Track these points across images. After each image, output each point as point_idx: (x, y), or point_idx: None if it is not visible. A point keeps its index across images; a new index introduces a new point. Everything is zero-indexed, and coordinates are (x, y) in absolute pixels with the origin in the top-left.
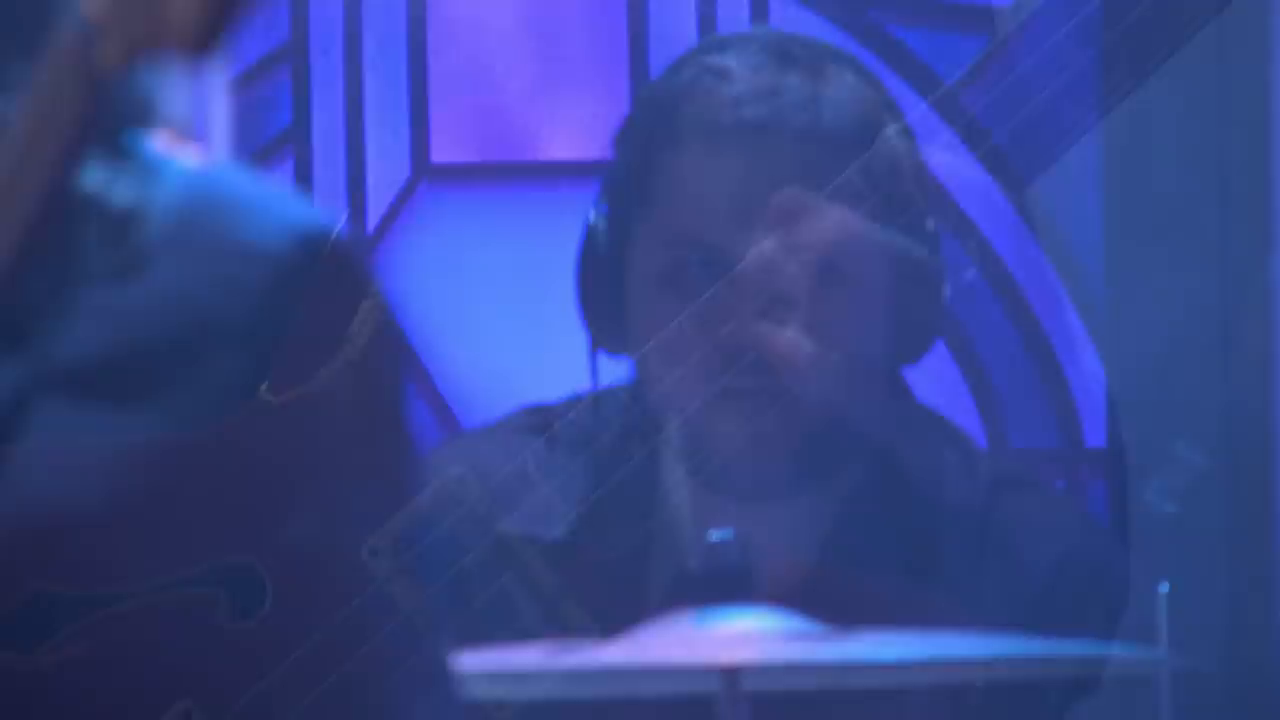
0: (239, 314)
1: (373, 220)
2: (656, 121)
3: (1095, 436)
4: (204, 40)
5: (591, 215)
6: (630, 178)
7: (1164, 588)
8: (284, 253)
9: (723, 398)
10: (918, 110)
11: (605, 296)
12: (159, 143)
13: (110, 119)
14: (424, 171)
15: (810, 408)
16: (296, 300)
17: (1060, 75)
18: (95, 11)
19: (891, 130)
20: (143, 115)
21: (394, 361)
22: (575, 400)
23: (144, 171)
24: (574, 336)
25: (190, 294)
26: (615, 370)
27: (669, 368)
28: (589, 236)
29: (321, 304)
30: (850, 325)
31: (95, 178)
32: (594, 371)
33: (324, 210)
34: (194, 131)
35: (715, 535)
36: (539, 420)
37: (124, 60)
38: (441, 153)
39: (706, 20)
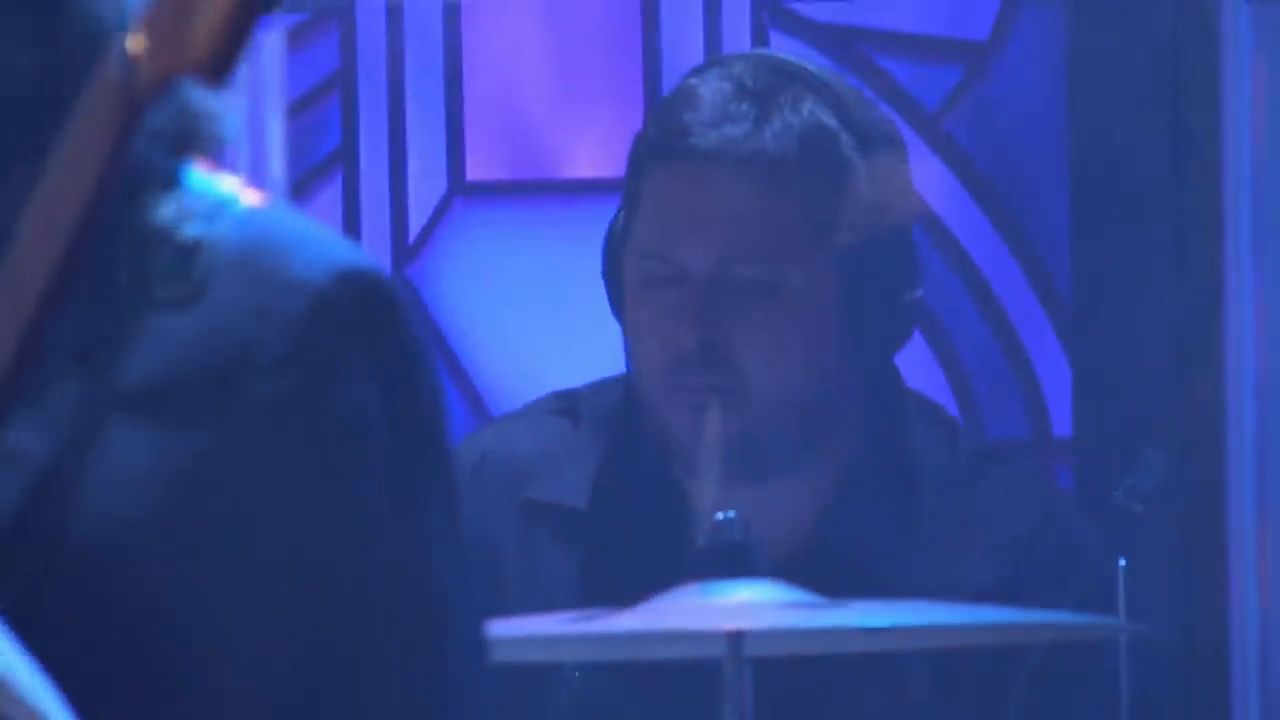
0: (281, 343)
1: (413, 232)
2: (640, 142)
3: (1062, 427)
4: (219, 68)
5: (613, 219)
6: (628, 192)
7: (1122, 562)
8: (324, 287)
9: (676, 392)
10: (900, 132)
11: (618, 292)
12: (218, 181)
13: (171, 157)
14: (459, 188)
15: (762, 403)
16: (336, 331)
17: (1029, 101)
18: (134, 44)
19: (849, 144)
20: (200, 145)
21: (431, 388)
22: (596, 386)
23: (204, 210)
24: (593, 332)
25: (235, 325)
26: None
27: (643, 365)
28: (609, 237)
29: (360, 335)
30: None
31: (162, 215)
32: (628, 355)
33: (363, 250)
34: (248, 161)
35: (720, 515)
36: (565, 404)
37: (157, 85)
38: (475, 170)
39: (713, 49)
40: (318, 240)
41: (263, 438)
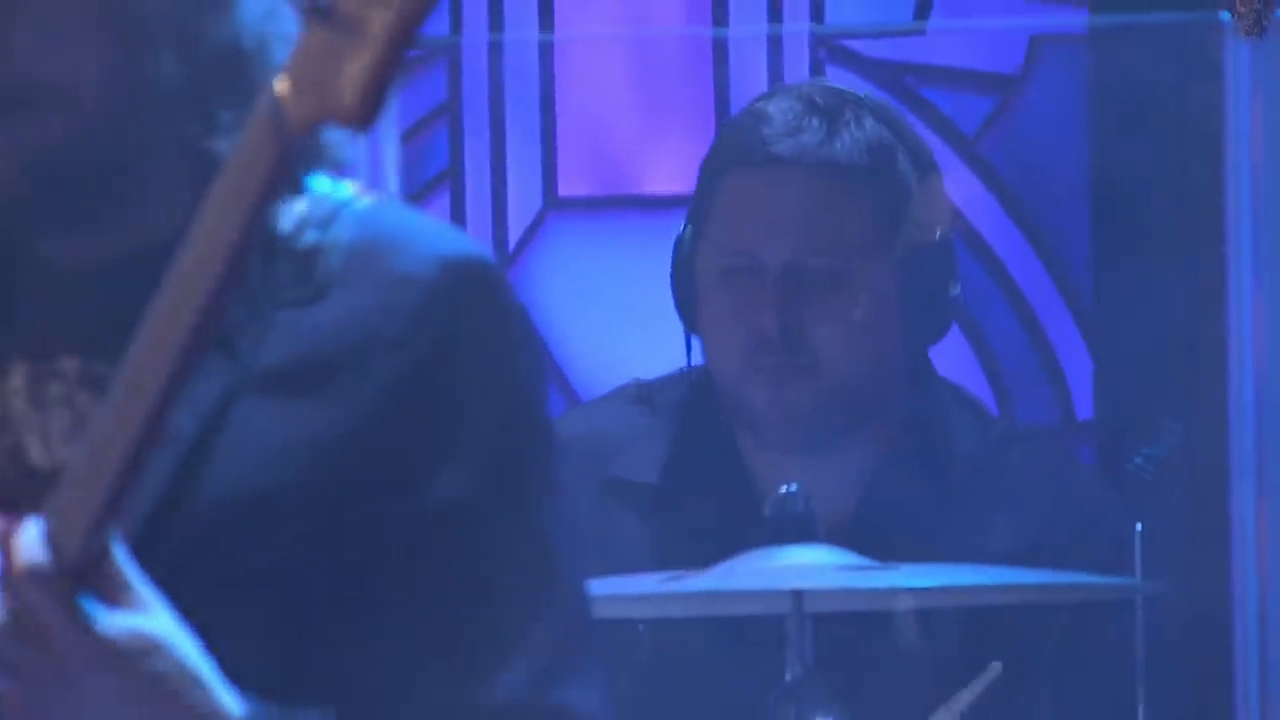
0: (399, 331)
1: (512, 242)
2: (713, 156)
3: (1084, 410)
4: (366, 117)
5: (680, 232)
6: (699, 200)
7: (1138, 527)
8: (436, 278)
9: (757, 372)
10: (942, 153)
11: (686, 294)
12: (337, 186)
13: (298, 169)
14: (552, 203)
15: (832, 380)
16: (447, 317)
17: (1053, 127)
18: (283, 88)
19: (905, 160)
20: (324, 164)
21: (535, 367)
22: (669, 377)
23: (324, 212)
24: (669, 330)
25: (357, 315)
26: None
27: (721, 350)
28: (677, 245)
29: (469, 317)
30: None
31: (287, 220)
32: (689, 351)
33: (472, 240)
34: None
35: (783, 488)
36: (642, 392)
37: (306, 128)
38: (566, 188)
39: (775, 80)
40: (426, 234)
41: (384, 414)
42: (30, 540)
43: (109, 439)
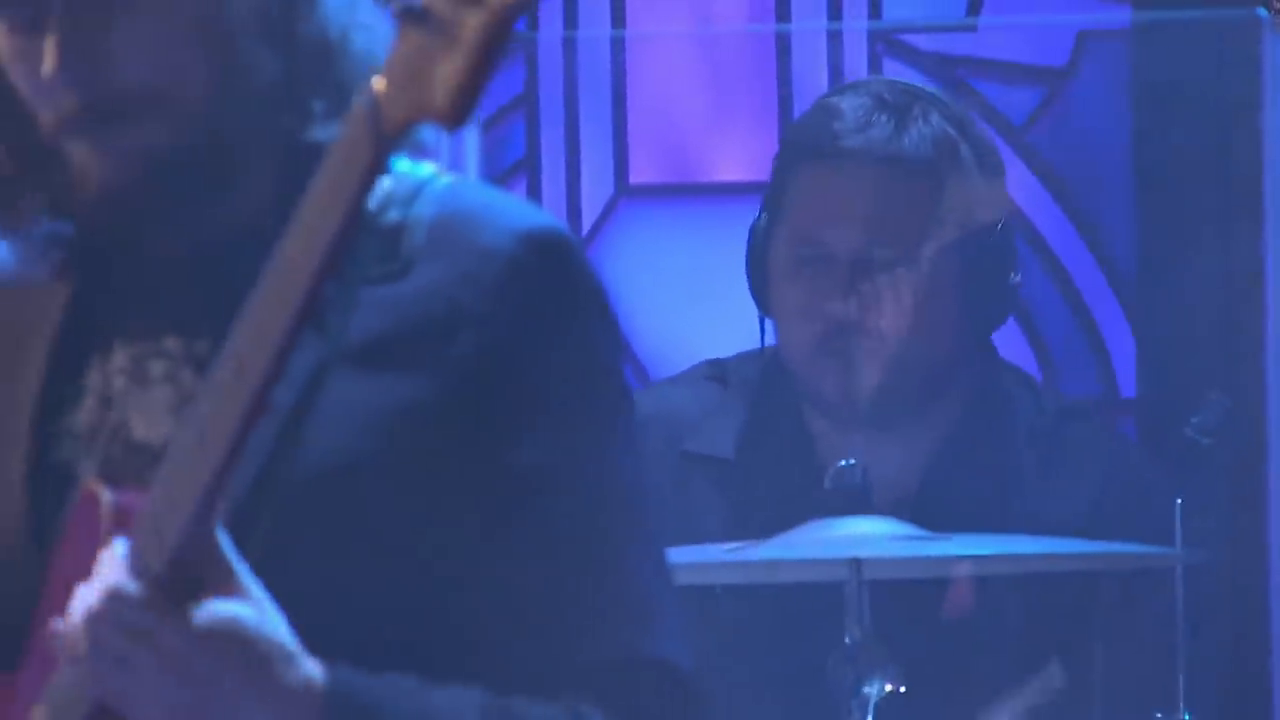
0: (482, 304)
1: (585, 227)
2: (787, 149)
3: (1127, 388)
4: (459, 117)
5: (755, 220)
6: (773, 190)
7: (1179, 500)
8: (516, 251)
9: (827, 356)
10: (996, 145)
11: (760, 280)
12: (417, 166)
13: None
14: (624, 190)
15: (897, 363)
16: (527, 289)
17: (1098, 117)
18: (379, 87)
19: (968, 153)
20: (406, 148)
21: (612, 334)
22: (741, 356)
23: (407, 191)
24: (740, 311)
25: (441, 289)
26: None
27: (793, 332)
28: (752, 233)
29: (547, 288)
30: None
31: (371, 199)
32: (763, 332)
33: (548, 214)
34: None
35: (843, 462)
36: (715, 371)
37: (401, 127)
38: (637, 175)
39: (835, 76)
40: (504, 209)
41: (470, 383)
42: (117, 568)
43: (216, 418)
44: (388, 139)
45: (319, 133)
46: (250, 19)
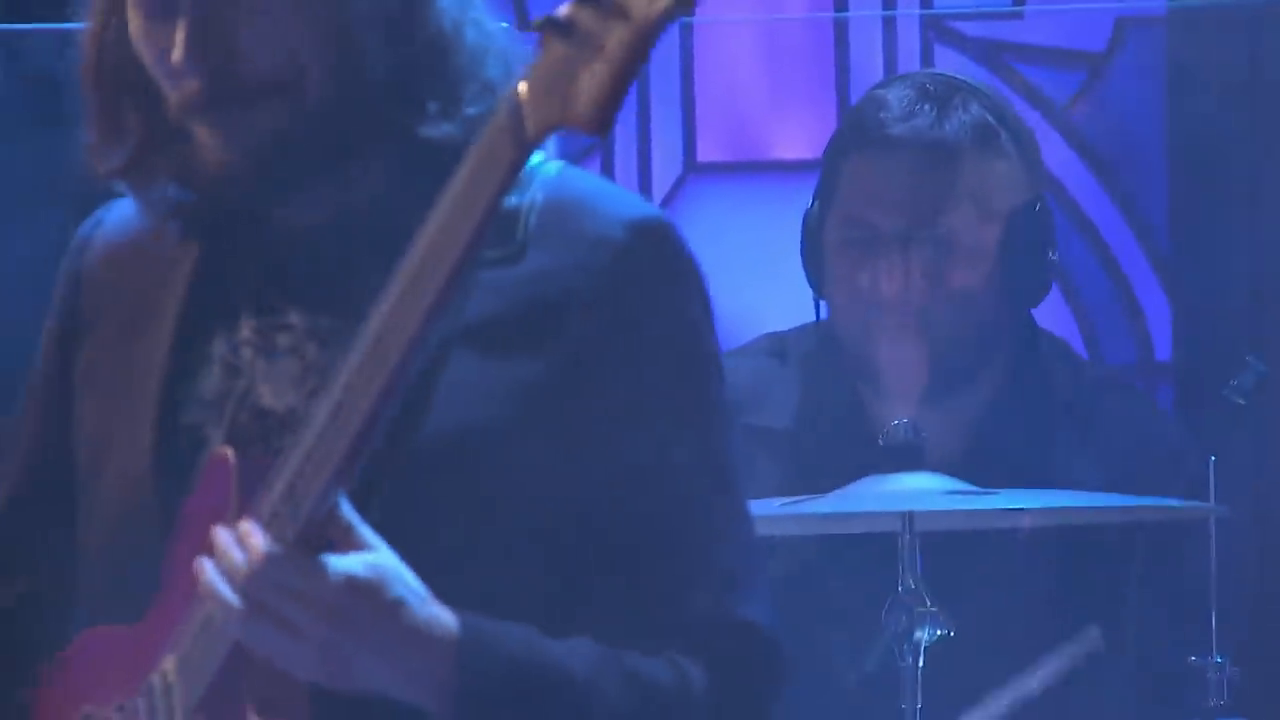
0: (593, 289)
1: (655, 203)
2: (837, 139)
3: (1163, 353)
4: (602, 124)
5: (808, 206)
6: (824, 177)
7: (1211, 458)
8: (624, 240)
9: (876, 331)
10: (1035, 122)
11: (814, 261)
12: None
13: None
14: (692, 168)
15: (942, 338)
16: (634, 275)
17: (1136, 98)
18: (523, 93)
19: (1007, 139)
20: None
21: (709, 314)
22: (799, 329)
23: (520, 182)
24: (796, 281)
25: (554, 274)
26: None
27: (844, 309)
28: (805, 219)
29: (652, 274)
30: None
31: None
32: (816, 309)
33: (650, 204)
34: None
35: (895, 420)
36: (774, 344)
37: (542, 133)
38: (705, 154)
39: (890, 60)
40: (611, 197)
41: (581, 361)
42: (259, 532)
43: (352, 395)
44: (530, 143)
45: (431, 130)
46: (370, 17)
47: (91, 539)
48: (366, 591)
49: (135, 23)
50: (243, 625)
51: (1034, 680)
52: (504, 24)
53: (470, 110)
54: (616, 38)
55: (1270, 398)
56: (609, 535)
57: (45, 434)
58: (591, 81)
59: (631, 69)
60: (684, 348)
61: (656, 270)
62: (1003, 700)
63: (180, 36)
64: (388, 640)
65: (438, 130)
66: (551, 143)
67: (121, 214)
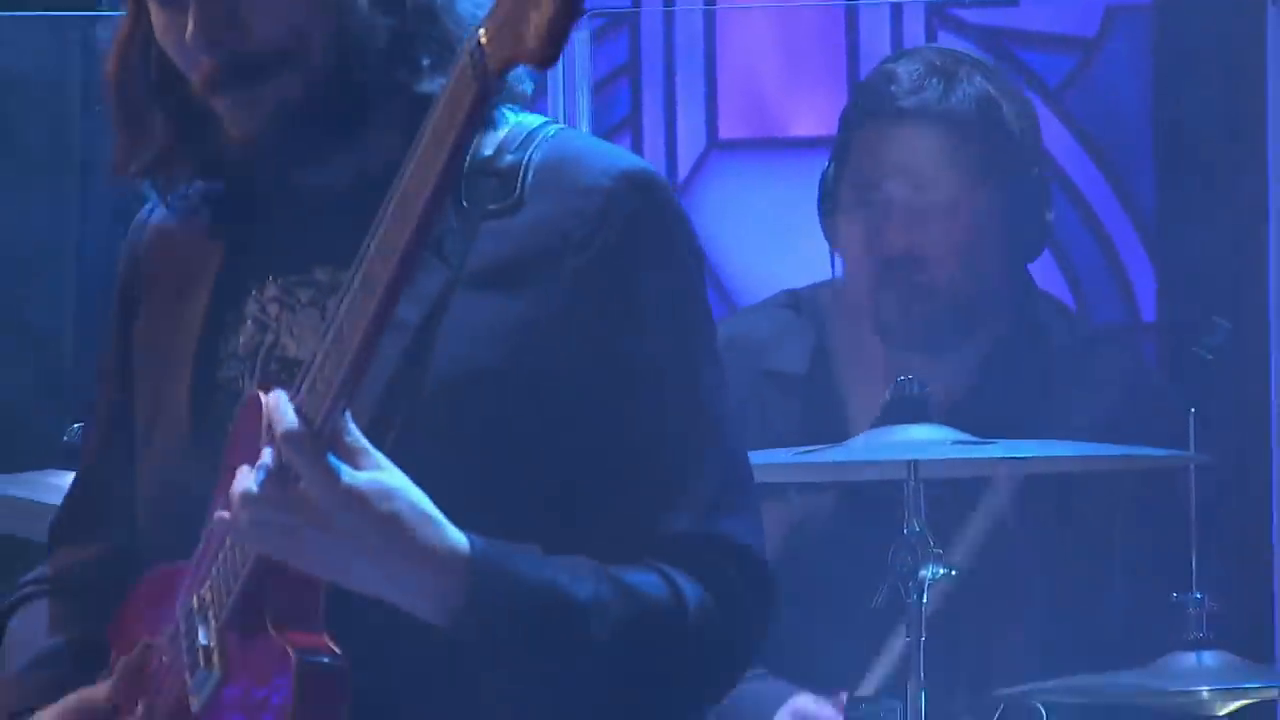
0: (585, 231)
1: (681, 176)
2: (851, 109)
3: (1148, 314)
4: (548, 58)
5: (824, 171)
6: (839, 145)
7: (1192, 411)
8: (613, 188)
9: (886, 288)
10: (1032, 102)
11: (830, 221)
12: (529, 117)
13: (499, 105)
14: (714, 144)
15: (946, 293)
16: (623, 220)
17: (1125, 80)
18: (483, 36)
19: (1008, 110)
20: (513, 100)
21: (696, 259)
22: (813, 286)
23: (520, 138)
24: (813, 248)
25: (549, 221)
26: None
27: (856, 267)
28: (822, 182)
29: (640, 219)
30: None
31: (489, 145)
32: (833, 265)
33: (639, 157)
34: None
35: (901, 376)
36: (791, 299)
37: (501, 67)
38: (726, 131)
39: (896, 45)
40: (603, 152)
41: (574, 301)
42: (286, 412)
43: (349, 321)
44: (490, 78)
45: (428, 85)
46: None
47: (147, 489)
48: (364, 503)
49: (156, 18)
50: (251, 529)
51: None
52: None
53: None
54: None
55: (1246, 354)
56: (601, 460)
57: (113, 404)
58: (540, 21)
59: (570, 9)
60: (670, 286)
61: (643, 215)
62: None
63: (192, 19)
64: (387, 551)
65: (434, 85)
66: (584, 121)
67: (175, 195)
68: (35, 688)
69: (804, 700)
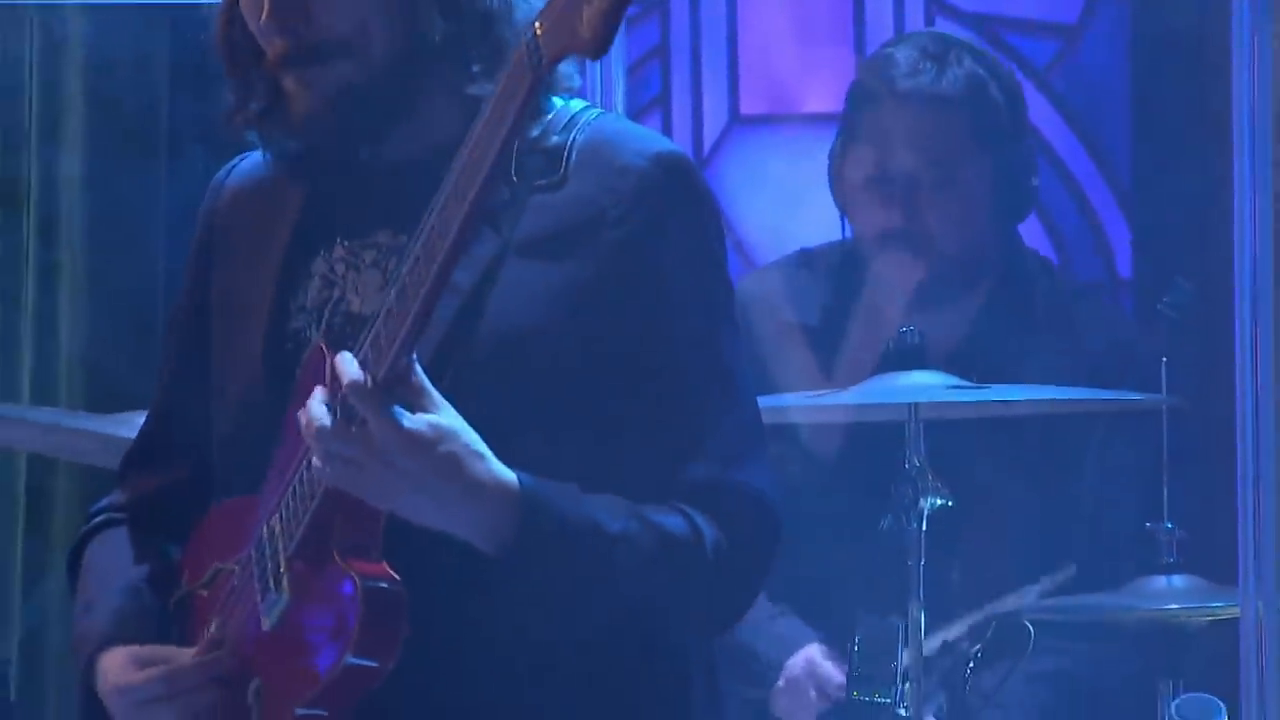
0: (621, 207)
1: (706, 149)
2: (855, 89)
3: (1125, 270)
4: (599, 49)
5: (832, 145)
6: (844, 122)
7: (1164, 360)
8: (646, 168)
9: (890, 250)
10: (1019, 81)
11: (839, 191)
12: (572, 102)
13: (545, 94)
14: (736, 119)
15: (943, 254)
16: (655, 196)
17: (1104, 61)
18: (539, 29)
19: (995, 90)
20: (560, 90)
21: (720, 233)
22: (825, 245)
23: (563, 121)
24: (823, 213)
25: (589, 197)
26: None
27: (863, 233)
28: (831, 155)
29: (671, 196)
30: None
31: (536, 128)
32: (843, 227)
33: (670, 140)
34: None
35: (903, 327)
36: (805, 258)
37: (555, 58)
38: (747, 108)
39: (898, 30)
40: (638, 135)
41: (611, 269)
42: (351, 365)
43: (412, 279)
44: (544, 68)
45: (476, 89)
46: None
47: (222, 427)
48: (423, 444)
49: None
50: (324, 465)
51: (1009, 603)
52: None
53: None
54: None
55: (1212, 306)
56: (632, 410)
57: (185, 349)
58: (591, 14)
59: (620, 6)
60: (695, 258)
61: (673, 192)
62: (978, 617)
63: (267, 2)
64: (444, 488)
65: (481, 90)
66: (619, 100)
67: (250, 161)
68: (121, 610)
69: (814, 650)
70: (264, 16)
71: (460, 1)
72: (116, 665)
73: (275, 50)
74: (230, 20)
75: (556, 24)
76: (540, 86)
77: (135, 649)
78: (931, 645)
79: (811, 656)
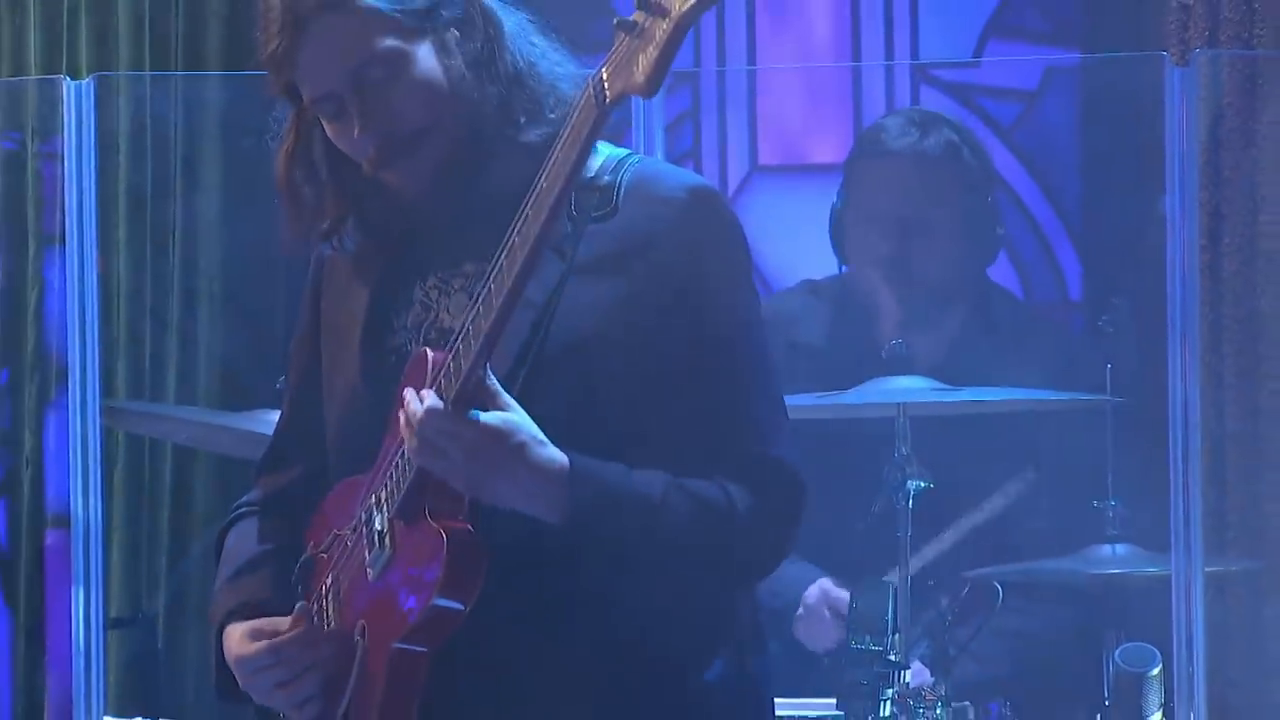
0: (662, 233)
1: (730, 193)
2: (854, 151)
3: (1075, 294)
4: (652, 89)
5: (834, 201)
6: (845, 178)
7: (1109, 366)
8: (684, 198)
9: (883, 283)
10: (989, 138)
11: (839, 238)
12: (620, 150)
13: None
14: (755, 169)
15: (926, 286)
16: (692, 225)
17: (1059, 121)
18: (604, 74)
19: (968, 153)
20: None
21: (747, 255)
22: (829, 278)
23: (614, 164)
24: (830, 249)
25: (637, 223)
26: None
27: (861, 269)
28: (832, 210)
29: (705, 226)
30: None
31: (592, 169)
32: (839, 263)
33: (702, 177)
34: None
35: (893, 341)
36: (812, 286)
37: (617, 98)
38: (765, 159)
39: (889, 95)
40: (676, 173)
41: (655, 286)
42: (429, 398)
43: (492, 294)
44: (608, 108)
45: (525, 137)
46: (469, 63)
47: (334, 428)
48: (499, 437)
49: (329, 129)
50: (418, 454)
51: (982, 513)
52: (567, 55)
53: (551, 115)
54: (660, 29)
55: (1148, 322)
56: (677, 400)
57: (305, 367)
58: (646, 61)
59: (671, 50)
60: (728, 272)
61: (706, 217)
62: (958, 530)
63: (356, 121)
64: (515, 471)
65: (530, 136)
66: (660, 153)
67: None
68: (246, 587)
69: (826, 582)
70: (358, 132)
71: (497, 69)
72: (235, 638)
73: (370, 155)
74: (291, 163)
75: (617, 70)
76: (605, 120)
77: (250, 624)
78: (917, 563)
79: (824, 585)
